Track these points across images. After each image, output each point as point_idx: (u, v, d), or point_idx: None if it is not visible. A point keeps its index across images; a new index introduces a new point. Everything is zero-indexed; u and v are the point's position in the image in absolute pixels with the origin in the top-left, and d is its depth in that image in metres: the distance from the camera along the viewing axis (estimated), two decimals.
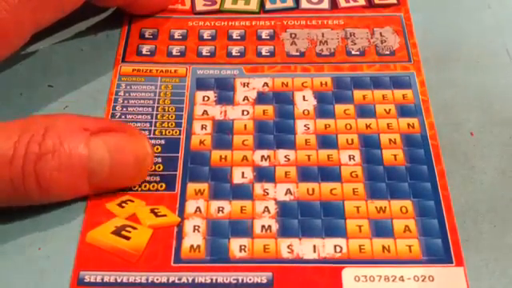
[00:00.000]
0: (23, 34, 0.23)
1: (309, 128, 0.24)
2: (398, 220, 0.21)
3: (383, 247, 0.20)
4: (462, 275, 0.20)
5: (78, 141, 0.20)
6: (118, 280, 0.20)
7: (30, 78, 0.25)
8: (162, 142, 0.24)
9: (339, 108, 0.25)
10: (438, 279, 0.20)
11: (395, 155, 0.23)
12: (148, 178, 0.22)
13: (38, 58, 0.26)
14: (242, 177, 0.22)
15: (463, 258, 0.20)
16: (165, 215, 0.21)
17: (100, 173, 0.21)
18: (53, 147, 0.20)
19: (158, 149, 0.23)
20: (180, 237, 0.21)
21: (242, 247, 0.21)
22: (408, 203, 0.22)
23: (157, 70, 0.26)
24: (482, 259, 0.20)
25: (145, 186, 0.22)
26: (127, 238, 0.21)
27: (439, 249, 0.20)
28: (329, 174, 0.22)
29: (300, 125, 0.24)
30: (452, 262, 0.20)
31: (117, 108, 0.25)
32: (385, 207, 0.21)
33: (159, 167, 0.23)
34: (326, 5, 0.29)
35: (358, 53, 0.26)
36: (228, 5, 0.29)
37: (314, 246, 0.20)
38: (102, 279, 0.20)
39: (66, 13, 0.24)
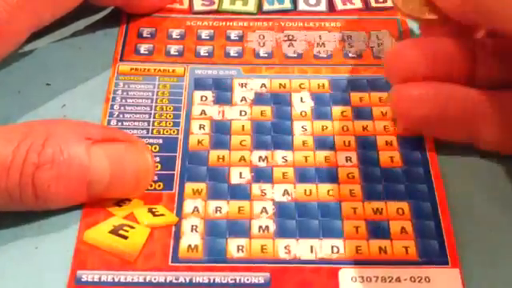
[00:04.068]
0: (21, 33, 0.23)
1: (306, 129, 0.24)
2: (394, 221, 0.21)
3: (380, 248, 0.21)
4: (458, 277, 0.20)
5: (79, 150, 0.20)
6: (116, 279, 0.20)
7: (27, 77, 0.25)
8: (160, 141, 0.24)
9: (336, 110, 0.25)
10: (434, 280, 0.20)
11: (392, 157, 0.23)
12: None
13: (35, 57, 0.26)
14: (240, 177, 0.23)
15: (459, 260, 0.20)
16: (163, 215, 0.21)
17: (99, 184, 0.20)
18: (52, 156, 0.20)
19: (155, 148, 0.23)
20: (178, 236, 0.21)
21: (240, 247, 0.21)
22: (404, 205, 0.22)
23: (155, 70, 0.26)
24: (478, 261, 0.20)
25: None
26: (125, 238, 0.21)
27: (435, 250, 0.21)
28: (326, 175, 0.23)
29: (297, 126, 0.24)
30: (448, 264, 0.20)
31: (114, 107, 0.25)
32: (381, 209, 0.22)
33: (157, 166, 0.23)
34: (323, 7, 0.29)
35: (355, 55, 0.27)
36: (226, 5, 0.29)
37: (311, 247, 0.21)
38: (100, 278, 0.20)
39: (64, 12, 0.24)
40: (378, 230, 0.21)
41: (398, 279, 0.20)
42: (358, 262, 0.20)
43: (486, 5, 0.20)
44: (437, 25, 0.23)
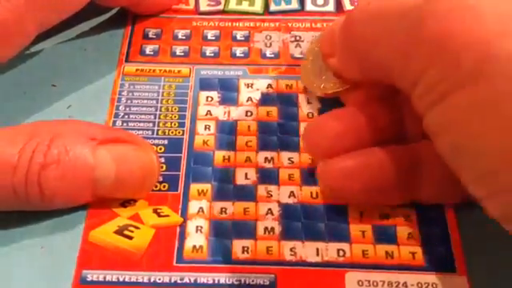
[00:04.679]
0: (27, 34, 0.23)
1: None
2: (401, 227, 0.21)
3: (386, 253, 0.20)
4: (466, 284, 0.20)
5: (85, 151, 0.20)
6: (121, 279, 0.20)
7: (33, 78, 0.25)
8: (165, 142, 0.24)
9: None
10: (441, 287, 0.20)
11: None
12: None
13: (41, 58, 0.26)
14: (246, 178, 0.22)
15: (466, 268, 0.20)
16: (167, 215, 0.21)
17: (104, 184, 0.20)
18: (58, 157, 0.20)
19: (161, 149, 0.23)
20: (182, 237, 0.21)
21: (245, 248, 0.21)
22: (412, 211, 0.21)
23: (160, 70, 0.26)
24: (486, 269, 0.20)
25: None
26: (130, 238, 0.21)
27: (442, 257, 0.20)
28: None
29: (304, 127, 0.24)
30: (455, 271, 0.20)
31: (120, 108, 0.25)
32: (388, 214, 0.21)
33: (162, 167, 0.23)
34: (331, 7, 0.29)
35: None
36: (232, 5, 0.29)
37: (317, 250, 0.20)
38: (105, 278, 0.20)
39: (70, 13, 0.24)
40: (384, 234, 0.21)
41: (405, 284, 0.20)
42: (364, 266, 0.20)
43: (375, 61, 0.19)
44: (355, 92, 0.22)
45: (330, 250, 0.20)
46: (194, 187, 0.22)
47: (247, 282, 0.20)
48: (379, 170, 0.20)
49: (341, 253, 0.20)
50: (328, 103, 0.25)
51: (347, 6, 0.29)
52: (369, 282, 0.20)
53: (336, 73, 0.22)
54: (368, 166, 0.20)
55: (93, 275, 0.20)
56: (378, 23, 0.19)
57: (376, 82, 0.20)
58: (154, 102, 0.25)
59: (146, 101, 0.25)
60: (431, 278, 0.20)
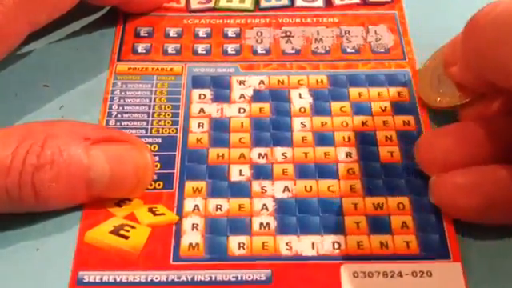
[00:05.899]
0: (18, 34, 0.23)
1: (305, 125, 0.24)
2: (395, 216, 0.21)
3: (381, 243, 0.21)
4: (460, 271, 0.20)
5: (78, 151, 0.20)
6: (118, 279, 0.20)
7: (25, 78, 0.25)
8: (159, 140, 0.24)
9: (335, 105, 0.25)
10: (436, 275, 0.20)
11: (391, 152, 0.23)
12: None
13: (33, 58, 0.26)
14: (240, 174, 0.23)
15: (460, 254, 0.20)
16: (163, 214, 0.21)
17: (99, 184, 0.20)
18: (51, 157, 0.20)
19: (154, 147, 0.23)
20: (178, 235, 0.21)
21: (241, 245, 0.21)
22: (405, 199, 0.22)
23: (152, 69, 0.26)
24: (479, 254, 0.20)
25: None
26: (126, 238, 0.21)
27: (436, 244, 0.21)
28: (326, 171, 0.23)
29: (297, 122, 0.24)
30: (449, 258, 0.20)
31: (113, 107, 0.25)
32: (382, 204, 0.22)
33: (157, 166, 0.23)
34: (320, 2, 0.29)
35: (353, 51, 0.27)
36: (223, 3, 0.29)
37: (313, 243, 0.21)
38: (101, 279, 0.20)
39: (61, 13, 0.24)
40: (378, 225, 0.21)
41: (400, 274, 0.20)
42: (359, 258, 0.20)
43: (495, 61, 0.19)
44: (470, 108, 0.22)
45: (326, 243, 0.21)
46: (189, 185, 0.22)
47: (244, 278, 0.20)
48: (494, 188, 0.20)
49: (336, 245, 0.21)
50: (320, 98, 0.25)
51: (336, 0, 0.29)
52: (364, 273, 0.20)
53: (456, 83, 0.22)
54: (482, 183, 0.20)
55: (89, 276, 0.20)
56: (504, 28, 0.19)
57: (496, 90, 0.20)
58: (147, 100, 0.25)
59: (139, 99, 0.25)
60: (426, 265, 0.20)
